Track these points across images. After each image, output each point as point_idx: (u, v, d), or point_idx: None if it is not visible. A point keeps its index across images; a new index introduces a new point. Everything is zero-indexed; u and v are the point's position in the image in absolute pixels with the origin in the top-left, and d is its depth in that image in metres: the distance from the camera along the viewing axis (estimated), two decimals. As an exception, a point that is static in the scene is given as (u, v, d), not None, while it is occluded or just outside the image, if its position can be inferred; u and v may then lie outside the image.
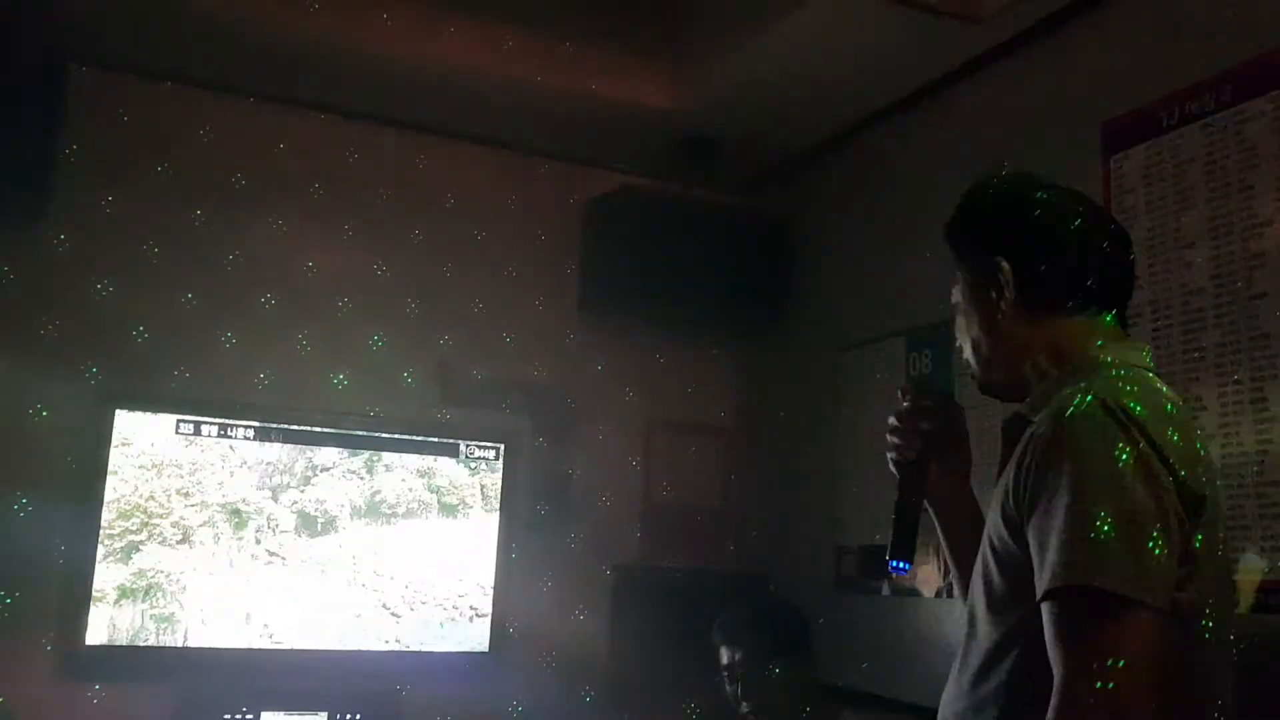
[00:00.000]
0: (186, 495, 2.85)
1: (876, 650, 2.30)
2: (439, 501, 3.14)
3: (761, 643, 2.27)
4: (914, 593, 2.71)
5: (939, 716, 1.36)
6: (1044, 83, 2.50)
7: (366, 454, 3.08)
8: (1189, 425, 1.23)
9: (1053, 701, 1.07)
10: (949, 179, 2.75)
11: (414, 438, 3.12)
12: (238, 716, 2.72)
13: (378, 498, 3.08)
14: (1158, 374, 1.31)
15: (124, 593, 2.74)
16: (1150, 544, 1.08)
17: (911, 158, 2.94)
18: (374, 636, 2.97)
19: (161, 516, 2.81)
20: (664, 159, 3.31)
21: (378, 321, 3.08)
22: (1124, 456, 1.10)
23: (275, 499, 2.97)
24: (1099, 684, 1.04)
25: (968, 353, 1.42)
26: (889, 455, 1.50)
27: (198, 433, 2.87)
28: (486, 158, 3.32)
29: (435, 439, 3.13)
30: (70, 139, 2.76)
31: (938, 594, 2.64)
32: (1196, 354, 2.00)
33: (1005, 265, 1.33)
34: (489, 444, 3.18)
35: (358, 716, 2.82)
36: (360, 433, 3.06)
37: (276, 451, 2.98)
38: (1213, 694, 1.20)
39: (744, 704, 2.24)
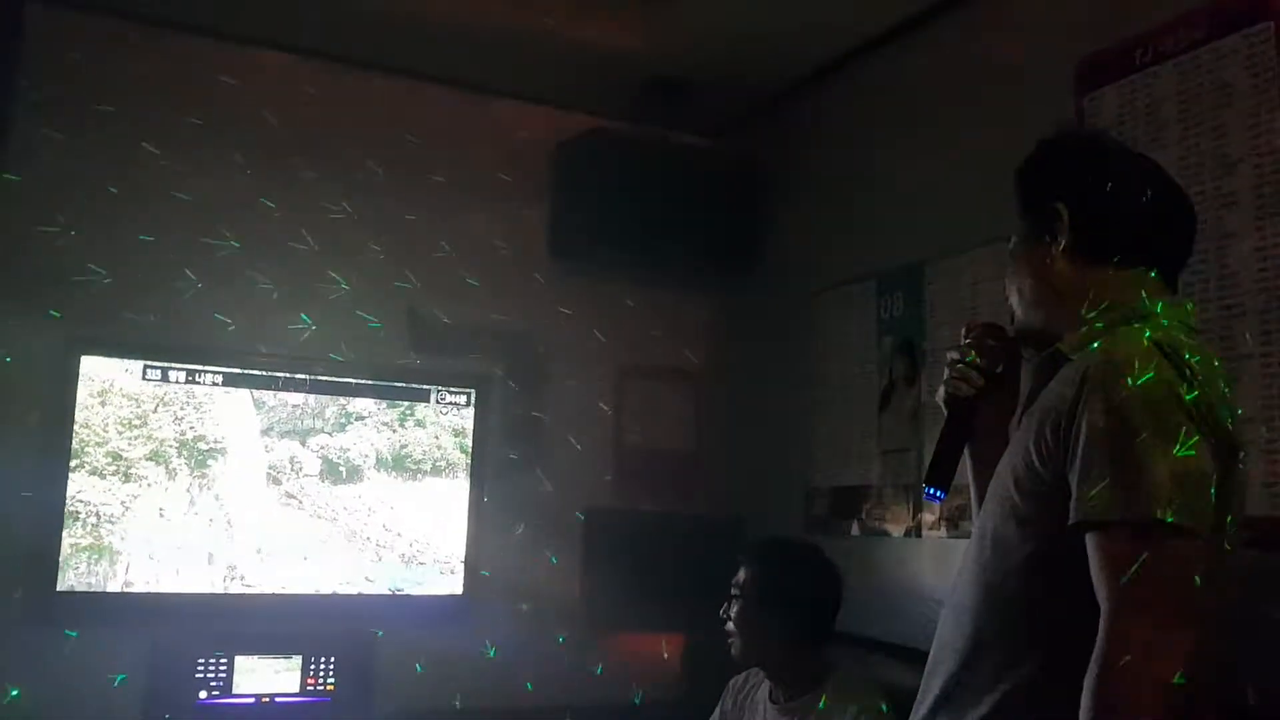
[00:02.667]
0: (130, 427, 2.79)
1: (846, 589, 2.33)
2: (469, 462, 3.13)
3: (767, 578, 2.26)
4: (882, 533, 2.75)
5: (935, 654, 1.38)
6: (1020, 20, 2.48)
7: (403, 405, 3.08)
8: (1222, 377, 1.27)
9: (1101, 629, 1.10)
10: (922, 119, 2.78)
11: (384, 383, 3.10)
12: (211, 660, 2.72)
13: (404, 451, 3.06)
14: (1197, 330, 1.34)
15: None
16: (1199, 479, 1.13)
17: (885, 98, 2.92)
18: (350, 582, 2.98)
19: (96, 445, 2.75)
20: (634, 101, 3.27)
21: (345, 266, 3.02)
22: (1178, 394, 1.15)
23: (304, 444, 2.96)
24: (1150, 613, 1.08)
25: (1013, 298, 1.45)
26: (943, 389, 1.52)
27: (165, 379, 2.84)
28: (454, 100, 3.27)
29: (406, 384, 3.11)
30: (29, 78, 2.68)
31: (906, 533, 2.67)
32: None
33: (1064, 211, 1.35)
34: (460, 389, 3.17)
35: (332, 659, 2.84)
36: (330, 378, 3.03)
37: (302, 396, 2.97)
38: (1227, 614, 1.25)
39: (729, 623, 2.27)
